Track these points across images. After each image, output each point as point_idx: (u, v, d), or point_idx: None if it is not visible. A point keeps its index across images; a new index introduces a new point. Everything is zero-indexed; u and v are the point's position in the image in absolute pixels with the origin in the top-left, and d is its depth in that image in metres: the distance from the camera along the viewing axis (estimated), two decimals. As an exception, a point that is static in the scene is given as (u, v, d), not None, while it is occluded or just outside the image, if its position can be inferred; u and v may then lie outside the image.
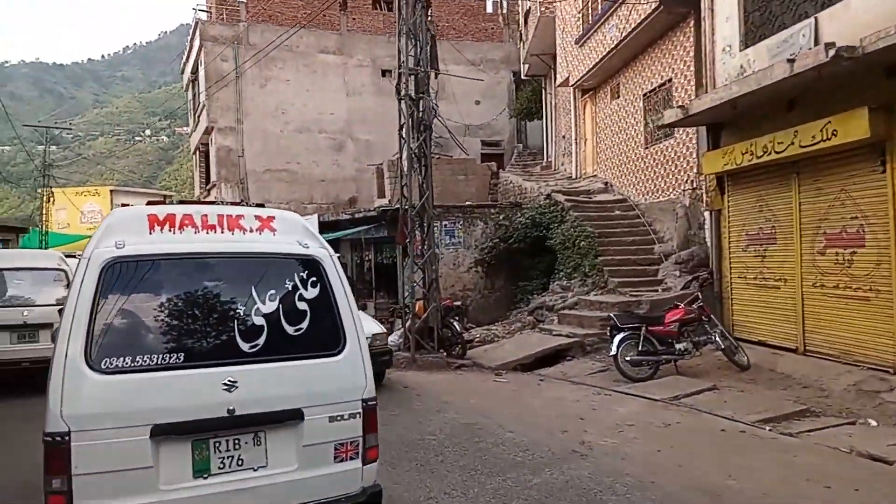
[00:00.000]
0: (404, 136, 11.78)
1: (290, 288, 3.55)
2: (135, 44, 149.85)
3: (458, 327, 11.33)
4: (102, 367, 3.06)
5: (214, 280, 3.45)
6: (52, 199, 33.51)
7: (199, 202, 3.84)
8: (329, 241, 3.98)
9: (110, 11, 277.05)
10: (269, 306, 3.45)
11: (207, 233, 3.52)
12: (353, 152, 28.90)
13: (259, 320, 3.41)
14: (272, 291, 3.48)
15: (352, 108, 28.73)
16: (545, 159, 25.42)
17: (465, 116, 29.88)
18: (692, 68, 12.84)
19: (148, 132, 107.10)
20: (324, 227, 19.45)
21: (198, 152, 32.05)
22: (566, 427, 6.87)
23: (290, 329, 3.48)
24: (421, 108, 11.46)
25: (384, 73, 29.20)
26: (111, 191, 44.92)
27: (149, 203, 3.70)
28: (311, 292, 3.59)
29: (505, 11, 30.54)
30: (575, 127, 19.85)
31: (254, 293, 3.44)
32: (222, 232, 3.55)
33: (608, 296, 12.37)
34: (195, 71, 29.51)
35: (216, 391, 3.22)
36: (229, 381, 3.23)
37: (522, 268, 16.15)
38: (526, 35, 22.85)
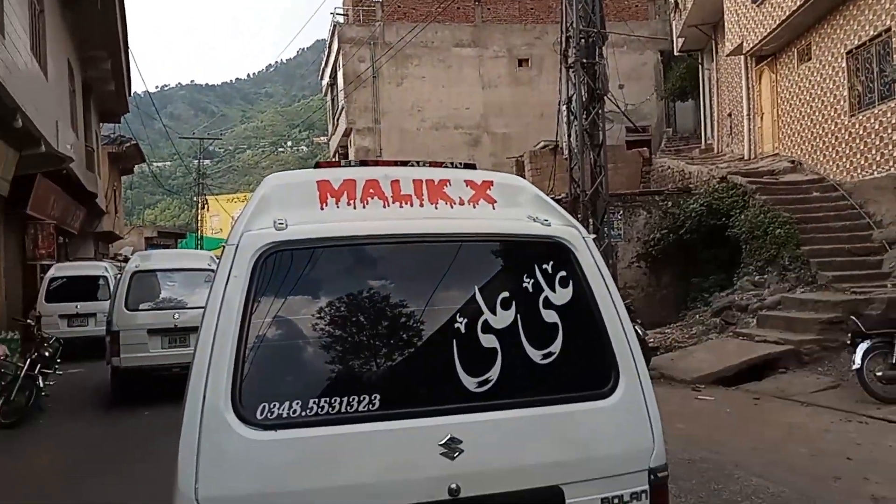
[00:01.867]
0: (573, 110, 10.30)
1: (529, 289, 2.26)
2: (276, 62, 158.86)
3: (640, 331, 9.70)
4: (259, 417, 1.93)
5: (418, 277, 2.24)
6: (206, 206, 35.31)
7: (384, 162, 2.58)
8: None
9: (256, 33, 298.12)
10: (503, 318, 2.19)
11: (401, 206, 2.36)
12: (489, 146, 27.79)
13: (489, 340, 2.15)
14: (505, 295, 2.22)
15: (487, 101, 27.63)
16: (703, 142, 22.86)
17: (609, 102, 27.88)
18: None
19: (289, 143, 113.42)
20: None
21: (337, 155, 32.38)
22: (835, 471, 5.13)
23: (535, 355, 2.18)
24: (596, 75, 9.92)
25: (520, 62, 27.87)
26: (258, 197, 47.02)
27: (317, 166, 2.54)
28: (561, 295, 2.28)
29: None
30: (747, 101, 17.38)
31: (478, 297, 2.19)
32: (422, 205, 2.37)
33: (821, 293, 10.19)
34: (333, 75, 29.74)
35: (431, 457, 1.98)
36: (450, 439, 1.99)
37: (695, 262, 14.12)
38: (683, 3, 20.52)
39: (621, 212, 15.09)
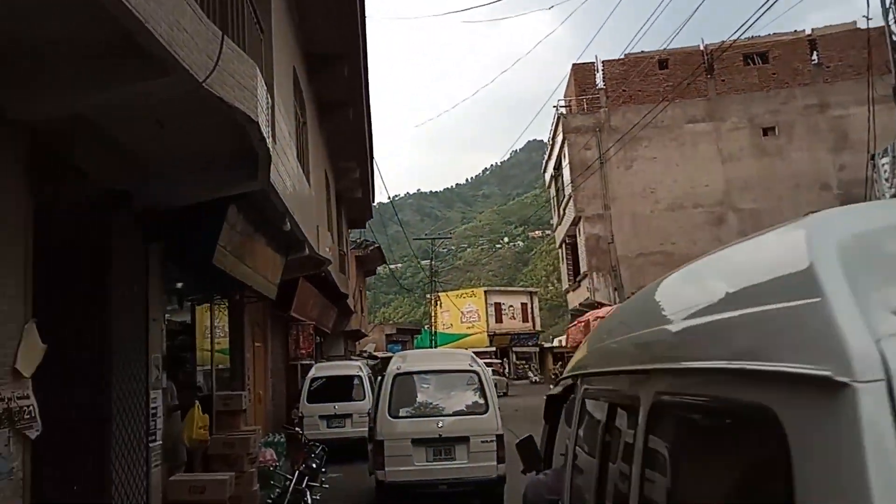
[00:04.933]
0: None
1: None
2: (491, 165, 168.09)
3: None
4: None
5: None
6: (439, 303, 36.44)
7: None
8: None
9: (474, 142, 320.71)
10: None
11: None
12: (735, 225, 25.03)
13: None
14: None
15: (729, 177, 25.20)
16: None
17: (880, 164, 23.97)
18: None
19: (506, 239, 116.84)
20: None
21: (563, 245, 31.65)
22: None
23: None
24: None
25: (765, 131, 25.26)
26: (485, 291, 47.87)
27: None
28: None
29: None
30: None
31: None
32: None
33: None
34: (558, 166, 29.54)
35: None
36: None
37: None
38: None
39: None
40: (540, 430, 3.82)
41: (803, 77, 24.94)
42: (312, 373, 13.69)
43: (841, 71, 24.55)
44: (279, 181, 8.32)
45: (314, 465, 7.84)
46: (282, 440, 9.90)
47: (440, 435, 7.73)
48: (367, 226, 25.33)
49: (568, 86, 27.53)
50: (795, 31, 25.79)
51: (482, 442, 7.70)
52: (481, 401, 7.94)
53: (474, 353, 9.65)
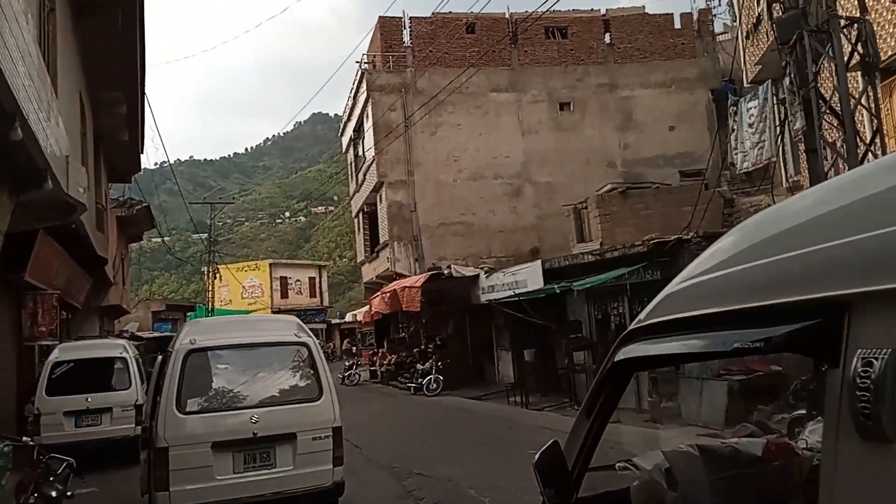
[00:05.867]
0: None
1: None
2: (273, 136, 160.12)
3: None
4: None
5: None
6: (218, 276, 32.50)
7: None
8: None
9: (254, 109, 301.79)
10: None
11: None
12: (531, 197, 25.36)
13: None
14: None
15: (528, 149, 25.36)
16: (784, 180, 20.47)
17: (658, 146, 25.73)
18: None
19: (287, 214, 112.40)
20: (550, 277, 15.67)
21: (360, 214, 29.90)
22: None
23: None
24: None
25: (562, 106, 25.81)
26: (270, 264, 44.38)
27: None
28: None
29: (696, 23, 26.36)
30: (870, 123, 14.98)
31: None
32: None
33: None
34: (358, 129, 27.58)
35: None
36: None
37: None
38: (768, 26, 18.43)
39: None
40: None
41: (598, 55, 25.82)
42: (55, 356, 10.20)
43: (630, 53, 25.83)
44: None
45: (52, 495, 5.16)
46: (6, 450, 6.82)
47: (254, 434, 5.47)
48: (133, 181, 21.10)
49: (373, 40, 25.61)
50: (592, 9, 26.60)
51: (314, 440, 5.63)
52: (313, 384, 5.84)
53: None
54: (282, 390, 5.87)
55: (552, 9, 25.05)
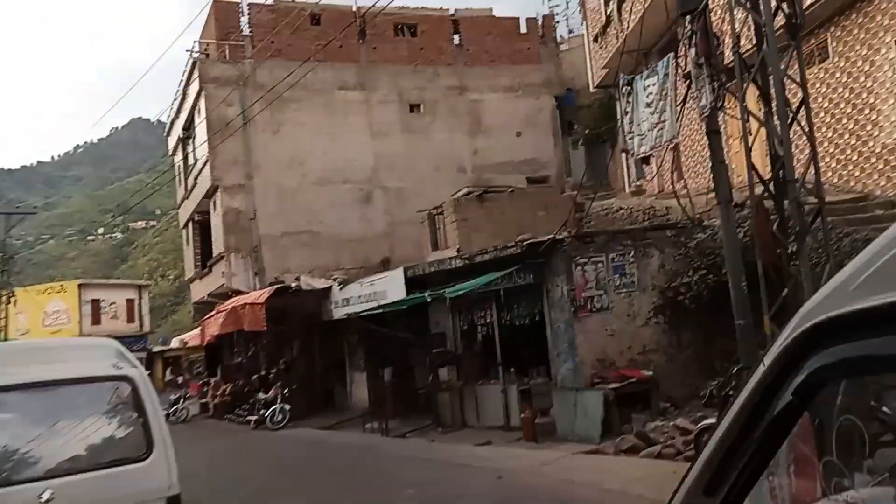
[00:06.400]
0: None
1: None
2: (85, 142, 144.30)
3: None
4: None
5: None
6: (13, 301, 27.35)
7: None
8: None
9: (64, 112, 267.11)
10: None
11: None
12: (382, 203, 24.00)
13: None
14: None
15: (378, 152, 23.98)
16: (627, 184, 21.01)
17: (505, 151, 25.53)
18: None
19: (101, 230, 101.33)
20: (411, 286, 14.30)
21: (191, 224, 26.68)
22: None
23: None
24: None
25: (412, 108, 24.78)
26: (80, 285, 38.54)
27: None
28: None
29: (541, 29, 26.63)
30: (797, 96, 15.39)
31: None
32: None
33: None
34: (188, 126, 24.52)
35: None
36: None
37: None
38: (616, 28, 18.64)
39: (632, 252, 11.89)
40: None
41: (447, 56, 25.15)
42: None
43: (478, 56, 25.44)
44: None
45: None
46: None
47: None
48: None
49: (206, 27, 22.86)
50: (441, 7, 25.91)
51: None
52: (138, 435, 3.89)
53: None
54: (91, 448, 3.85)
55: (401, 5, 24.14)
